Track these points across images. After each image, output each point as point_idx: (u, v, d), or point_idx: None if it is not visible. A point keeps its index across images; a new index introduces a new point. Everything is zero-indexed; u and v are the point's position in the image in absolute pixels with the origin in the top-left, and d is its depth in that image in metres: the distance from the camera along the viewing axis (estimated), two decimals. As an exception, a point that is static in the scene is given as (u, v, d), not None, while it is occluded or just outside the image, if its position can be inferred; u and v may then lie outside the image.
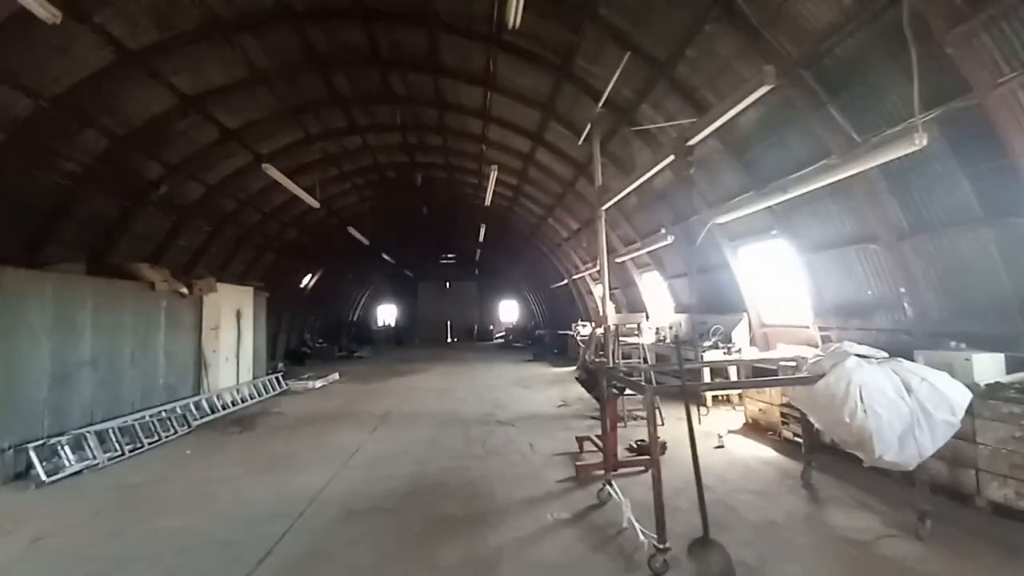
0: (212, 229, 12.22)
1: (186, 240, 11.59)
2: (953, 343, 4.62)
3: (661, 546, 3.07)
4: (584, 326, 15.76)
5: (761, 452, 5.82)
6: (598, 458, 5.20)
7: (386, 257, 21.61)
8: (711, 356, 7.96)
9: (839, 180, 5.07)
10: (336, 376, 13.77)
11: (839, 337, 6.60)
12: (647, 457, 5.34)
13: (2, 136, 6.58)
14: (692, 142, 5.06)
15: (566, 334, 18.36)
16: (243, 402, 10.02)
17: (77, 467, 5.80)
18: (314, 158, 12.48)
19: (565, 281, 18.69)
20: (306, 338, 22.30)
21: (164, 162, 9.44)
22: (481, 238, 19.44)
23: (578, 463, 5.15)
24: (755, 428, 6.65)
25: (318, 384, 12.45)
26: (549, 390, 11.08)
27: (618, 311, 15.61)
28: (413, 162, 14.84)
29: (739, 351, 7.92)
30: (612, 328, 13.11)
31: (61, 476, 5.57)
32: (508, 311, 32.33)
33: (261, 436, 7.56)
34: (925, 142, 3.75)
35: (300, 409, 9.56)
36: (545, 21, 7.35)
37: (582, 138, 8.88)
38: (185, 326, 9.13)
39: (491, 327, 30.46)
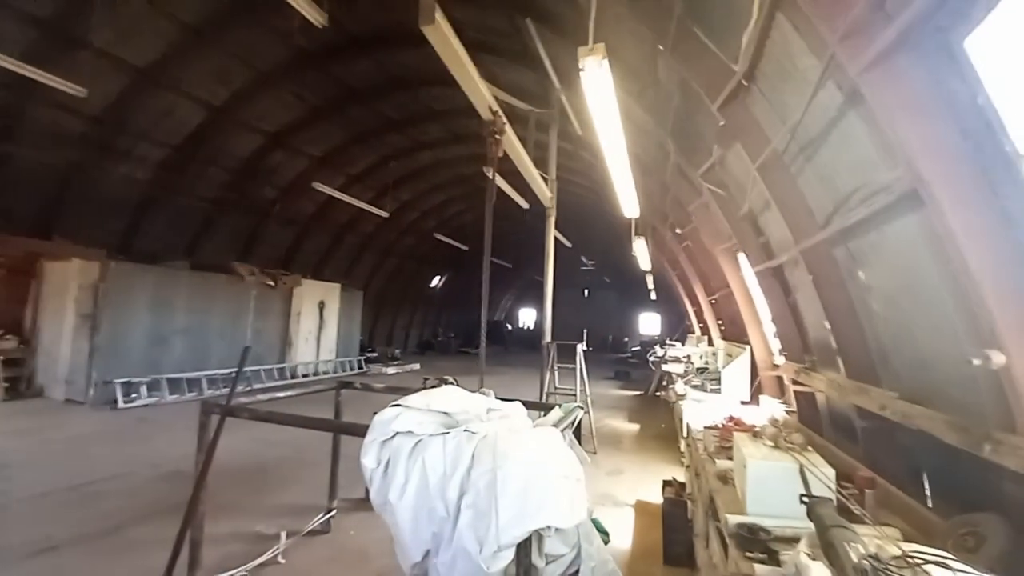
0: (332, 239, 15.37)
1: (311, 247, 14.88)
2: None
3: None
4: (672, 345, 13.46)
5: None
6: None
7: (500, 262, 22.74)
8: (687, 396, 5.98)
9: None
10: (416, 367, 15.40)
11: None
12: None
13: (150, 175, 9.94)
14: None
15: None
16: (314, 375, 12.35)
17: (146, 401, 8.42)
18: (397, 176, 14.29)
19: (651, 289, 16.29)
20: (439, 332, 25.38)
21: (276, 186, 12.47)
22: (569, 241, 18.47)
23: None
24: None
25: (391, 371, 14.22)
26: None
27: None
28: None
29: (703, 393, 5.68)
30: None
31: (132, 406, 8.18)
32: (649, 322, 29.71)
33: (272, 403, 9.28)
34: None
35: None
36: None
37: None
38: (274, 311, 11.86)
39: (626, 339, 28.50)
